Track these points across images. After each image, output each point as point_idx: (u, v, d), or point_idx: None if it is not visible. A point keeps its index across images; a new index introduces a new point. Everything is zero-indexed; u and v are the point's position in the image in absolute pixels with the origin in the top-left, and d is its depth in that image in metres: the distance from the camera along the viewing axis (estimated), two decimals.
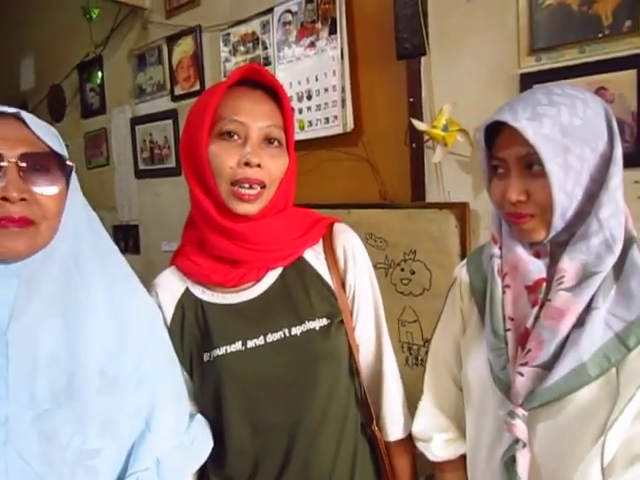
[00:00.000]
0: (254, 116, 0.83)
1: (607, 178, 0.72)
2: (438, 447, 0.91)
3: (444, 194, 1.59)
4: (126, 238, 2.88)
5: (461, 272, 0.93)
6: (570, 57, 1.33)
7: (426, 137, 1.57)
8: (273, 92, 0.88)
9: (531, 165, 0.73)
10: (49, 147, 0.74)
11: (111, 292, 0.81)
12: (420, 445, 0.94)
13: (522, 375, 0.73)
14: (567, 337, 0.71)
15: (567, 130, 0.71)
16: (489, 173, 0.81)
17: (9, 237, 0.69)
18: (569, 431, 0.72)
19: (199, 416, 0.88)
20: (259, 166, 0.82)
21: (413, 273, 1.65)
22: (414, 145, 1.62)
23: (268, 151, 0.85)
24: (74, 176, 0.78)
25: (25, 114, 0.72)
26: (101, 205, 0.76)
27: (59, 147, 0.76)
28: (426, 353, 1.64)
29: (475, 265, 0.89)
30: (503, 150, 0.76)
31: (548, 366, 0.72)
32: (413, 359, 1.69)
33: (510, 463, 0.76)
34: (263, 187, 0.84)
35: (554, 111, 0.71)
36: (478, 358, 0.84)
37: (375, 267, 1.74)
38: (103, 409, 0.75)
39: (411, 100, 1.62)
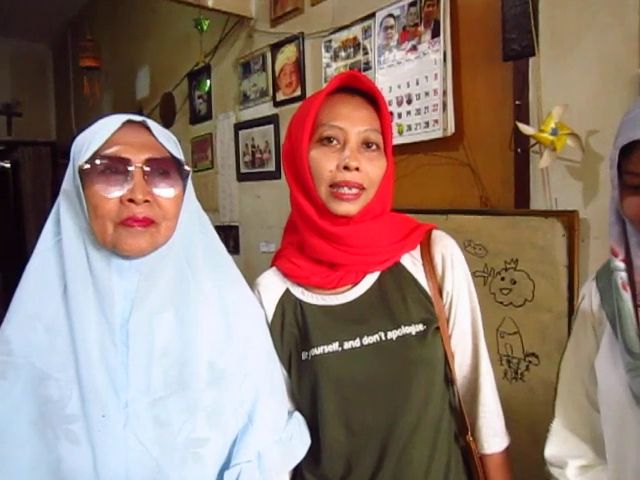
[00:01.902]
0: (352, 121, 0.85)
1: None
2: (574, 474, 0.86)
3: (550, 201, 1.51)
4: (227, 238, 3.02)
5: (590, 288, 0.88)
6: None
7: (532, 141, 1.50)
8: (371, 97, 0.89)
9: None
10: (170, 153, 0.79)
11: (219, 290, 0.86)
12: (554, 471, 0.89)
13: None
14: None
15: None
16: (621, 187, 0.76)
17: (133, 235, 0.75)
18: None
19: (297, 413, 0.91)
20: (357, 169, 0.84)
21: (514, 283, 1.59)
22: (519, 150, 1.56)
23: (366, 155, 0.86)
24: (190, 180, 0.84)
25: (150, 122, 0.79)
26: (205, 206, 0.81)
27: (178, 153, 0.81)
28: (526, 368, 1.59)
29: (605, 280, 0.84)
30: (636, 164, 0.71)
31: None
32: (512, 373, 1.62)
33: None
34: (362, 189, 0.85)
35: None
36: (614, 377, 0.79)
37: (473, 275, 1.69)
38: (211, 400, 0.80)
39: (517, 103, 1.56)
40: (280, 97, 2.53)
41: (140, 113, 3.68)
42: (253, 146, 2.78)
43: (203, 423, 0.79)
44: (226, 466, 0.81)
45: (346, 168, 0.83)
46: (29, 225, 6.26)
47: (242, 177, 2.90)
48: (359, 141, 0.85)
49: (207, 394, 0.80)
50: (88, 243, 0.78)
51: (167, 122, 3.46)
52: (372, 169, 0.86)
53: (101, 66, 3.62)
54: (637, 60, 1.31)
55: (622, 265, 0.77)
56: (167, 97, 3.44)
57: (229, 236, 2.99)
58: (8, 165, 6.71)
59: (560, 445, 0.89)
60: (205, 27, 2.63)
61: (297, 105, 2.56)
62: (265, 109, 2.65)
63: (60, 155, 5.81)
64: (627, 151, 0.72)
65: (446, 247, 0.92)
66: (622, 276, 0.77)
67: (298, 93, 2.42)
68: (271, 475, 0.83)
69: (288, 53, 2.45)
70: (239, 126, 2.86)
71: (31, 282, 0.79)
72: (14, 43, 5.27)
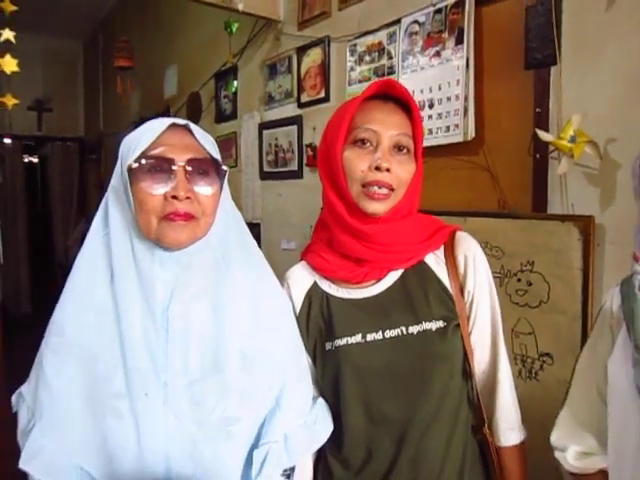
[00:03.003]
0: (385, 125, 0.91)
1: None
2: (574, 457, 0.91)
3: (567, 206, 1.55)
4: None
5: (614, 291, 0.92)
6: None
7: (551, 148, 1.55)
8: (405, 104, 0.94)
9: None
10: (209, 154, 0.86)
11: (250, 283, 0.92)
12: (557, 454, 0.94)
13: None
14: None
15: None
16: None
17: (175, 229, 0.82)
18: None
19: (321, 400, 0.97)
20: (388, 170, 0.89)
21: (530, 284, 1.63)
22: (538, 155, 1.60)
23: (397, 158, 0.91)
24: (226, 179, 0.91)
25: (192, 125, 0.86)
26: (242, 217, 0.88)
27: (216, 154, 0.88)
28: (541, 367, 1.64)
29: (628, 285, 0.88)
30: None
31: None
32: (527, 372, 1.67)
33: None
34: (391, 190, 0.91)
35: None
36: (623, 374, 0.83)
37: None
38: (242, 384, 0.86)
39: (538, 110, 1.60)
40: (304, 99, 2.60)
41: (167, 111, 3.77)
42: (276, 146, 2.85)
43: (235, 404, 0.85)
44: (255, 445, 0.87)
45: (377, 169, 0.89)
46: (56, 219, 6.42)
47: (265, 176, 2.97)
48: (391, 144, 0.91)
49: (238, 378, 0.86)
50: (133, 236, 0.85)
51: (193, 120, 3.52)
52: (402, 171, 0.91)
53: (134, 66, 3.73)
54: None
55: None
56: (194, 96, 3.54)
57: (251, 233, 3.06)
58: (36, 160, 6.89)
59: (565, 431, 0.93)
60: (234, 30, 2.71)
61: (321, 107, 2.63)
62: (289, 110, 2.71)
63: (87, 151, 5.95)
64: None
65: (469, 248, 0.97)
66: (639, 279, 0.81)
67: (322, 95, 2.48)
68: (296, 455, 0.89)
69: (314, 56, 2.51)
70: (263, 126, 2.93)
71: (81, 269, 0.87)
72: (46, 40, 5.42)
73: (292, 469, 0.91)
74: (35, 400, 0.83)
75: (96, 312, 0.84)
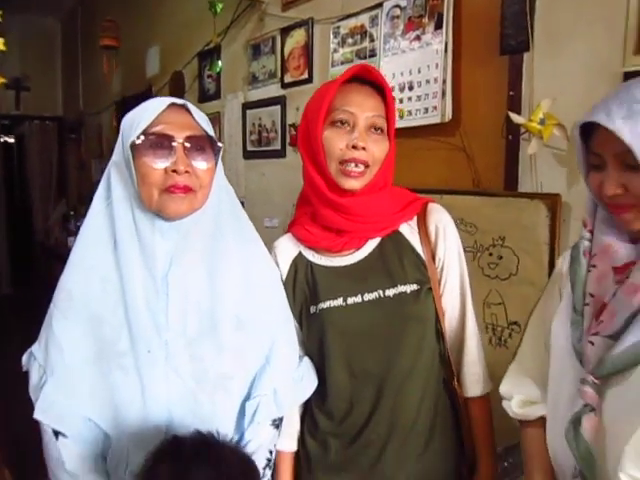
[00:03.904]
0: (362, 107, 0.99)
1: None
2: (517, 406, 0.99)
3: (537, 185, 1.65)
4: None
5: (566, 254, 0.98)
6: None
7: (522, 130, 1.64)
8: (380, 88, 1.03)
9: (629, 160, 0.75)
10: (205, 131, 0.93)
11: (242, 251, 1.00)
12: (504, 403, 1.02)
13: (592, 344, 0.81)
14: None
15: None
16: (586, 165, 0.85)
17: (175, 201, 0.89)
18: (636, 399, 0.77)
19: (306, 358, 1.06)
20: (364, 149, 0.98)
21: (500, 258, 1.74)
22: (510, 137, 1.69)
23: (372, 137, 1.00)
24: (220, 155, 0.98)
25: (190, 105, 0.93)
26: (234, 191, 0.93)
27: (211, 131, 0.95)
28: (509, 335, 1.75)
29: (577, 248, 0.93)
30: (600, 147, 0.80)
31: (617, 337, 0.78)
32: (497, 340, 1.78)
33: (577, 425, 0.83)
34: (367, 167, 1.00)
35: None
36: (563, 330, 0.90)
37: (464, 250, 1.85)
38: (235, 343, 0.95)
39: (511, 94, 1.69)
40: (288, 79, 2.65)
41: (149, 91, 3.78)
42: (260, 125, 2.90)
43: (229, 362, 0.94)
44: (247, 398, 0.96)
45: (354, 147, 0.98)
46: (35, 200, 6.35)
47: (248, 155, 3.02)
48: (367, 125, 0.99)
49: (233, 338, 0.95)
50: (135, 207, 0.92)
51: None
52: (377, 149, 1.00)
53: (120, 46, 3.73)
54: (621, 60, 1.44)
55: (588, 235, 0.88)
56: (177, 75, 3.55)
57: None
58: (12, 140, 6.78)
59: (512, 382, 1.02)
60: (219, 10, 2.73)
61: (304, 87, 2.68)
62: (273, 90, 2.76)
63: (67, 130, 5.88)
64: (590, 133, 0.83)
65: (440, 219, 1.07)
66: (585, 244, 0.88)
67: (305, 76, 2.53)
68: (284, 407, 0.99)
69: (297, 37, 2.56)
70: (247, 106, 2.97)
71: (86, 239, 0.94)
72: (23, 18, 5.32)
73: (280, 419, 1.01)
74: (46, 359, 0.90)
75: (101, 278, 0.91)
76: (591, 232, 0.88)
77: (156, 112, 0.89)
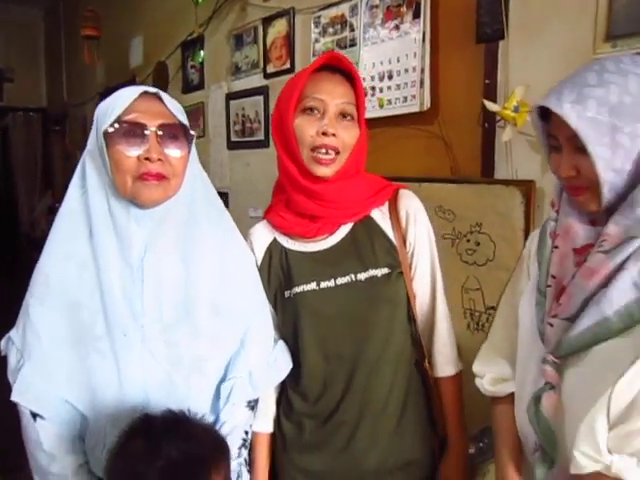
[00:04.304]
0: (332, 95, 1.01)
1: None
2: (489, 383, 1.02)
3: (512, 172, 1.68)
4: None
5: (535, 233, 1.00)
6: None
7: (498, 117, 1.67)
8: (349, 75, 1.05)
9: (579, 143, 0.76)
10: (178, 120, 0.95)
11: (217, 237, 1.02)
12: (476, 381, 1.05)
13: (552, 326, 0.84)
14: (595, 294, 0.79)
15: (616, 109, 0.74)
16: (548, 147, 0.86)
17: (149, 188, 0.91)
18: (591, 379, 0.78)
19: (281, 342, 1.09)
20: (334, 135, 1.00)
21: (478, 244, 1.77)
22: (486, 125, 1.72)
23: (342, 124, 1.02)
24: (194, 143, 1.00)
25: (162, 93, 0.94)
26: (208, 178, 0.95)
27: (184, 120, 0.97)
28: (487, 320, 1.79)
29: (545, 229, 0.95)
30: (556, 129, 0.81)
31: (573, 319, 0.80)
32: (474, 324, 1.82)
33: (538, 402, 0.86)
34: (337, 153, 1.02)
35: (602, 91, 0.75)
36: (529, 310, 0.93)
37: (442, 237, 1.90)
38: (211, 328, 0.97)
39: (487, 82, 1.71)
40: (270, 69, 2.65)
41: (133, 81, 3.76)
42: (243, 116, 2.91)
43: (205, 346, 0.97)
44: (223, 381, 0.99)
45: (324, 134, 1.00)
46: (20, 192, 6.30)
47: (232, 145, 3.03)
48: (337, 112, 1.02)
49: (208, 323, 0.97)
50: (110, 195, 0.93)
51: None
52: (347, 136, 1.02)
53: (101, 36, 3.71)
54: (592, 47, 1.47)
55: (554, 215, 0.90)
56: (160, 66, 3.53)
57: None
58: None
59: (484, 361, 1.05)
60: (200, 0, 2.73)
61: (287, 77, 2.70)
62: (256, 80, 2.76)
63: (52, 122, 5.83)
64: (549, 117, 0.83)
65: (410, 205, 1.10)
66: (552, 225, 0.90)
67: (288, 66, 2.54)
68: (259, 389, 1.01)
69: (279, 27, 2.57)
70: (230, 96, 2.98)
71: (62, 227, 0.95)
72: (4, 8, 5.26)
73: (256, 401, 1.04)
74: (24, 343, 0.92)
75: (77, 265, 0.93)
76: (558, 213, 0.90)
77: (129, 100, 0.90)
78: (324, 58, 1.03)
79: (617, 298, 0.75)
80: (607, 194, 0.77)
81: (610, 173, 0.76)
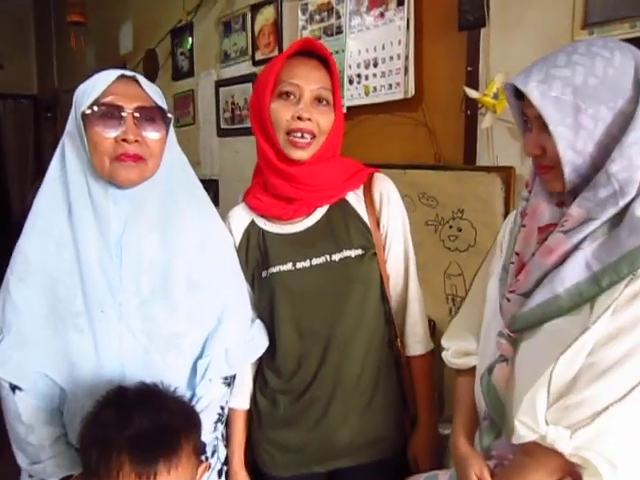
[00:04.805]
0: (307, 80, 1.03)
1: (624, 134, 0.74)
2: (452, 356, 1.05)
3: (493, 159, 1.71)
4: (207, 191, 3.14)
5: (511, 216, 1.01)
6: (622, 32, 1.39)
7: (480, 105, 1.69)
8: (326, 61, 1.07)
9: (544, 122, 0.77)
10: (155, 103, 0.96)
11: (196, 218, 1.05)
12: (442, 353, 1.08)
13: (509, 301, 0.87)
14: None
15: (580, 91, 0.75)
16: (523, 126, 0.87)
17: (126, 169, 0.93)
18: (539, 354, 0.81)
19: (258, 320, 1.12)
20: (309, 120, 1.03)
21: (460, 230, 1.80)
22: (469, 112, 1.74)
23: (318, 109, 1.05)
24: (172, 126, 1.01)
25: (139, 77, 0.96)
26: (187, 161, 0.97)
27: (162, 103, 0.99)
28: None
29: (517, 209, 0.97)
30: (526, 108, 0.82)
31: (528, 295, 0.83)
32: (456, 310, 1.84)
33: (490, 372, 0.89)
34: (313, 137, 1.04)
35: (568, 72, 0.76)
36: (495, 286, 0.95)
37: (425, 224, 1.92)
38: (188, 304, 1.00)
39: (469, 69, 1.74)
40: (259, 57, 2.66)
41: (124, 68, 3.75)
42: (233, 103, 2.92)
43: (182, 322, 0.99)
44: (200, 357, 1.02)
45: (300, 118, 1.02)
46: (11, 180, 6.27)
47: (222, 133, 3.04)
48: (312, 97, 1.04)
49: (185, 299, 1.00)
50: (89, 175, 0.95)
51: (150, 78, 3.52)
52: (322, 120, 1.05)
53: (87, 22, 3.69)
54: (570, 34, 1.49)
55: (527, 195, 0.91)
56: (150, 53, 3.52)
57: (209, 189, 3.14)
58: None
59: (452, 334, 1.08)
60: None
61: None
62: (244, 68, 2.77)
63: (43, 109, 5.80)
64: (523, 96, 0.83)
65: (384, 187, 1.12)
66: (523, 204, 0.92)
67: (276, 53, 2.54)
68: (235, 366, 1.04)
69: (267, 14, 2.57)
70: (220, 83, 2.98)
71: (42, 206, 0.98)
72: None
73: (232, 377, 1.06)
74: (3, 319, 0.95)
75: (56, 243, 0.95)
76: (530, 193, 0.91)
77: (106, 83, 0.92)
78: (299, 44, 1.06)
79: (569, 277, 0.78)
80: (569, 175, 0.79)
81: (571, 153, 0.77)
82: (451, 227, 1.83)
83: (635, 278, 0.73)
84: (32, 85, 5.99)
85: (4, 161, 6.26)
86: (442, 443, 1.16)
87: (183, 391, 0.96)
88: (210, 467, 1.02)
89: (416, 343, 1.14)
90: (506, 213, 1.66)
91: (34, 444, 0.93)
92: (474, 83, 1.71)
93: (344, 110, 2.07)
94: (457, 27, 1.74)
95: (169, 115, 0.99)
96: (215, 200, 3.08)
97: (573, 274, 0.78)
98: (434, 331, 1.74)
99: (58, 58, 5.34)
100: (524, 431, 0.78)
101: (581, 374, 0.75)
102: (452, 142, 1.84)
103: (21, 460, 0.96)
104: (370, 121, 2.05)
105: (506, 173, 1.64)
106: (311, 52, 1.06)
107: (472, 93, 1.64)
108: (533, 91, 0.77)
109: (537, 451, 0.79)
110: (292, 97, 1.04)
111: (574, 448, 0.73)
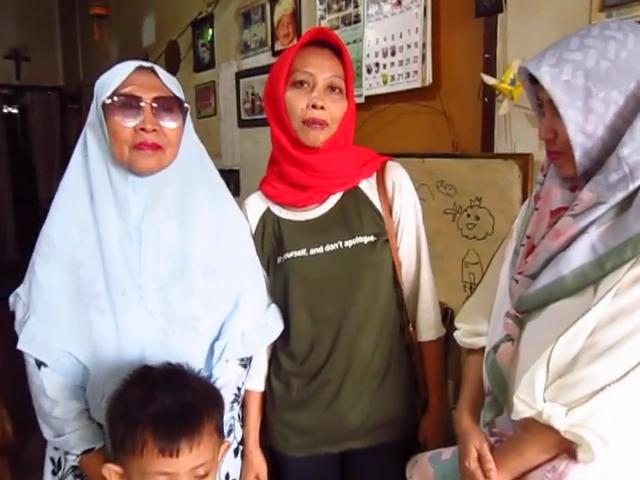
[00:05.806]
0: (320, 69, 1.05)
1: (635, 118, 0.75)
2: (463, 335, 1.06)
3: (511, 146, 1.70)
4: (228, 182, 3.18)
5: (528, 200, 1.00)
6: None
7: (498, 92, 1.68)
8: (338, 50, 1.08)
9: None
10: (173, 93, 0.99)
11: (212, 204, 1.08)
12: (455, 333, 1.08)
13: (517, 282, 0.88)
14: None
15: (591, 74, 0.75)
16: (539, 111, 0.88)
17: (144, 157, 0.96)
18: (543, 334, 0.82)
19: (274, 305, 1.15)
20: (323, 108, 1.05)
21: (478, 219, 1.80)
22: (486, 99, 1.74)
23: (331, 97, 1.06)
24: (189, 115, 1.04)
25: (157, 67, 0.99)
26: (208, 152, 0.98)
27: (179, 93, 1.02)
28: None
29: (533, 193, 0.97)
30: (540, 92, 0.82)
31: (535, 277, 0.84)
32: None
33: (496, 351, 0.90)
34: (326, 125, 1.06)
35: (580, 56, 0.76)
36: (507, 268, 0.96)
37: (444, 212, 1.92)
38: (204, 288, 1.03)
39: (486, 56, 1.73)
40: (278, 47, 2.67)
41: (146, 60, 3.80)
42: (253, 94, 2.94)
43: (199, 304, 1.03)
44: (217, 339, 1.05)
45: (314, 106, 1.04)
46: (39, 170, 6.42)
47: (243, 124, 3.07)
48: (325, 85, 1.06)
49: (202, 283, 1.03)
50: (109, 163, 0.99)
51: (172, 70, 3.59)
52: (335, 108, 1.07)
53: (110, 14, 3.75)
54: (588, 17, 1.47)
55: (542, 179, 0.92)
56: (172, 45, 3.57)
57: (230, 180, 3.19)
58: (16, 111, 6.81)
59: (465, 315, 1.09)
60: None
61: None
62: (264, 58, 2.79)
63: (68, 100, 5.92)
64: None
65: (397, 175, 1.14)
66: (537, 188, 0.92)
67: (295, 43, 2.55)
68: (251, 348, 1.08)
69: (286, 5, 2.58)
70: (240, 74, 3.00)
71: (66, 191, 1.02)
72: None
73: (248, 359, 1.10)
74: (29, 298, 1.00)
75: (79, 227, 0.99)
76: (545, 177, 0.91)
77: (125, 74, 0.96)
78: (312, 33, 1.07)
79: (575, 259, 0.78)
80: (580, 158, 0.79)
81: (581, 136, 0.77)
82: (469, 215, 1.83)
83: (638, 261, 0.73)
84: (58, 77, 6.10)
85: (32, 151, 6.42)
86: (453, 427, 1.18)
87: (201, 372, 0.99)
88: (229, 446, 1.05)
89: (428, 329, 1.16)
90: (524, 200, 1.64)
91: (58, 417, 0.98)
92: (491, 70, 1.70)
93: (362, 100, 2.09)
94: (474, 13, 1.73)
95: (186, 105, 1.01)
96: (236, 190, 3.12)
97: (579, 257, 0.78)
98: (452, 319, 1.75)
99: (83, 51, 5.44)
100: (522, 407, 0.79)
101: (581, 354, 0.76)
102: (470, 130, 1.83)
103: (46, 433, 1.02)
104: (388, 110, 2.06)
105: (524, 160, 1.63)
106: (324, 41, 1.08)
107: (489, 80, 1.63)
108: (545, 75, 0.77)
109: (534, 427, 0.80)
110: (306, 85, 1.06)
111: (569, 425, 0.75)
